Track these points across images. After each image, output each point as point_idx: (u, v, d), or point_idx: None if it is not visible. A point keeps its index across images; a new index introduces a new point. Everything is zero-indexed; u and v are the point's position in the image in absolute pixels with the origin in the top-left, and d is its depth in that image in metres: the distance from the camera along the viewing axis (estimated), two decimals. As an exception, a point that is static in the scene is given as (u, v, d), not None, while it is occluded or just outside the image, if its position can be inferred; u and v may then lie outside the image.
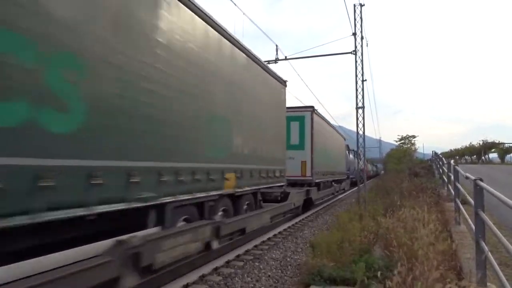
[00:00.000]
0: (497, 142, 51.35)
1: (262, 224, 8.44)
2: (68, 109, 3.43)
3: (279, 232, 10.09)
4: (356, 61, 15.17)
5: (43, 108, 3.18)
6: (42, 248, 3.40)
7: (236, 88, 7.27)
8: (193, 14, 5.62)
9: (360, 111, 15.01)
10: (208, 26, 6.09)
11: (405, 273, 3.60)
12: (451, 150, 62.26)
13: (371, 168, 48.89)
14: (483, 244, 3.77)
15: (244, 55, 7.65)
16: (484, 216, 3.84)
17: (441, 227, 5.54)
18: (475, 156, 54.84)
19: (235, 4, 10.51)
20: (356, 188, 16.74)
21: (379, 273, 4.16)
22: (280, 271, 6.55)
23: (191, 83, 5.58)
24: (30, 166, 3.06)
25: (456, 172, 7.50)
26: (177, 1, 5.20)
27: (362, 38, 15.25)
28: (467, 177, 5.11)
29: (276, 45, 15.66)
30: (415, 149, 39.49)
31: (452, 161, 9.85)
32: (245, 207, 8.08)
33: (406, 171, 20.71)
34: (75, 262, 3.41)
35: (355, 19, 15.36)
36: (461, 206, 6.48)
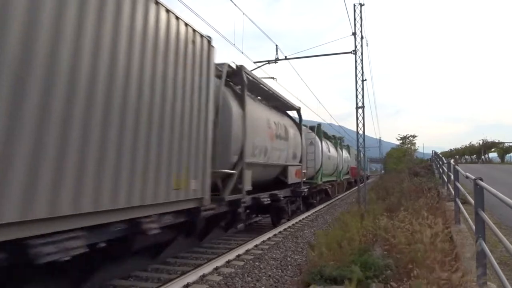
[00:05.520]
0: (497, 141, 51.32)
1: None
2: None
3: (279, 232, 10.10)
4: (356, 61, 15.16)
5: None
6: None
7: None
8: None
9: (360, 110, 14.99)
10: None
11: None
12: (451, 149, 62.13)
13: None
14: (483, 243, 3.77)
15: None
16: (484, 215, 3.85)
17: (441, 228, 5.54)
18: (475, 155, 54.74)
19: (235, 4, 10.52)
20: (356, 188, 16.75)
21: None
22: (280, 270, 6.55)
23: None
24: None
25: (456, 172, 7.50)
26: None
27: (362, 37, 15.24)
28: (467, 177, 5.11)
29: (276, 45, 15.64)
30: (415, 149, 39.55)
31: (452, 161, 9.86)
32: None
33: (406, 170, 20.71)
34: None
35: (355, 19, 15.35)
36: (461, 206, 6.49)
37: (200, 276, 5.85)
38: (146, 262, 6.39)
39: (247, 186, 8.08)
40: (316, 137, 17.49)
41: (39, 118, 3.29)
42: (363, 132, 15.11)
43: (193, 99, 5.98)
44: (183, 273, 5.95)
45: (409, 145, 39.31)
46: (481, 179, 4.03)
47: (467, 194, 6.17)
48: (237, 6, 10.81)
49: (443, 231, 4.77)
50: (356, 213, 10.70)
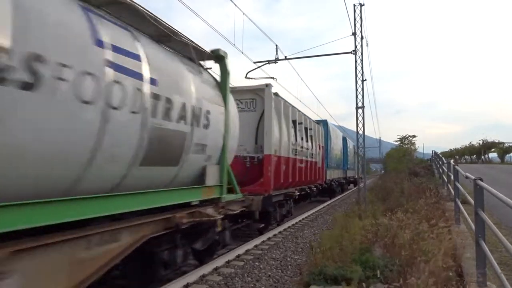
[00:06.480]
0: (497, 141, 51.32)
1: None
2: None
3: (279, 232, 10.09)
4: (356, 61, 15.18)
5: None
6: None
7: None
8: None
9: (360, 111, 15.02)
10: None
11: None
12: (451, 149, 62.15)
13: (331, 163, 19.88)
14: (483, 243, 3.77)
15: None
16: (484, 215, 3.85)
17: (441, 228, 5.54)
18: (475, 155, 54.76)
19: (235, 4, 10.53)
20: (356, 188, 16.76)
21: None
22: (280, 271, 6.55)
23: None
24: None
25: (456, 172, 7.51)
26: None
27: (362, 38, 15.26)
28: (467, 177, 5.11)
29: (276, 45, 15.62)
30: (415, 149, 39.50)
31: (452, 161, 9.86)
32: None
33: (406, 170, 20.72)
34: None
35: (355, 19, 15.37)
36: (461, 206, 6.49)
37: (200, 276, 5.85)
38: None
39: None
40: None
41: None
42: (363, 132, 15.13)
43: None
44: (183, 273, 5.95)
45: (408, 145, 39.27)
46: (481, 179, 4.03)
47: (467, 194, 6.17)
48: (237, 6, 10.82)
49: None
50: (355, 214, 10.71)
